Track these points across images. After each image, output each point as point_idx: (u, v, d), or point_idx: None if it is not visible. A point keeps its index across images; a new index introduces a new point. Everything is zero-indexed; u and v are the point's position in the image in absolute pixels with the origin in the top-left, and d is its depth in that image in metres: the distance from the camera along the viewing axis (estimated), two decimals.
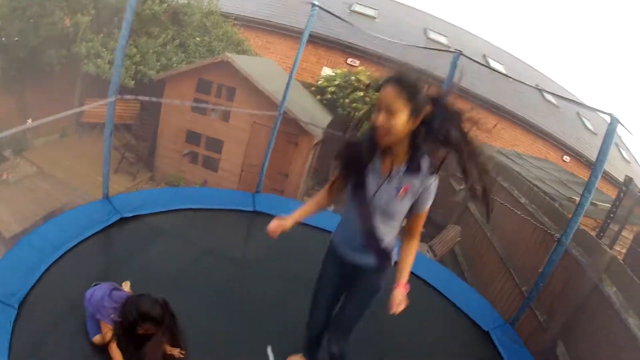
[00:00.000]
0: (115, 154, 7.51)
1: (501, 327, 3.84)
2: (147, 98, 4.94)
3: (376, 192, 1.94)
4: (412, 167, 1.86)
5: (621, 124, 3.39)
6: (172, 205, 4.19)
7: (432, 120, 1.76)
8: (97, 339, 2.43)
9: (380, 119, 1.75)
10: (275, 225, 2.10)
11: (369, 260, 2.12)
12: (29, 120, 7.07)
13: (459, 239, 7.23)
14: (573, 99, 14.40)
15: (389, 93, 1.73)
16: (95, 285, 2.64)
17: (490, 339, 3.62)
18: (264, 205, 4.59)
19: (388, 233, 2.04)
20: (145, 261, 3.33)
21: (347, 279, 2.25)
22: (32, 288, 2.70)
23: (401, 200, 1.91)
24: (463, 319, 3.78)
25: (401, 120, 1.73)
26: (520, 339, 3.84)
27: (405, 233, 2.08)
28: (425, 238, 7.89)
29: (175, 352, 2.50)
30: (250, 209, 4.57)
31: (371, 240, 2.05)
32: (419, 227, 2.05)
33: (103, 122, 8.82)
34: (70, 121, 9.25)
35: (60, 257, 3.05)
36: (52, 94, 8.14)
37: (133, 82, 7.69)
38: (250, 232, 4.39)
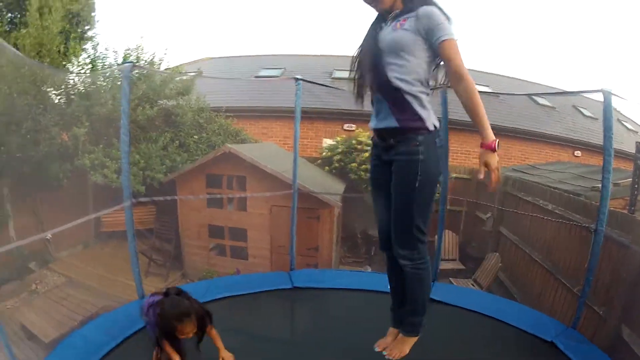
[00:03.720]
0: (143, 257, 7.58)
1: (564, 332, 3.74)
2: (161, 198, 5.02)
3: (379, 35, 2.04)
4: (406, 10, 1.96)
5: (614, 94, 3.41)
6: (210, 295, 4.08)
7: None
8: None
9: None
10: None
11: (392, 120, 2.02)
12: (48, 234, 7.15)
13: (500, 264, 7.22)
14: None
15: None
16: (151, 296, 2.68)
17: (556, 347, 3.49)
18: (302, 280, 4.54)
19: (401, 71, 1.96)
20: (189, 354, 3.27)
21: (389, 166, 2.13)
22: None
23: (401, 30, 1.94)
24: (524, 336, 3.66)
25: None
26: (585, 338, 3.74)
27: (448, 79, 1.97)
28: (467, 274, 7.97)
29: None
30: (289, 285, 4.55)
31: (385, 86, 2.00)
32: (453, 60, 1.88)
33: (122, 229, 8.96)
34: (90, 232, 9.42)
35: (105, 355, 3.00)
36: (65, 207, 8.17)
37: (144, 187, 7.79)
38: (293, 308, 4.29)
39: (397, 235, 2.17)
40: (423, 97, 1.99)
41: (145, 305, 2.64)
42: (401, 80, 1.95)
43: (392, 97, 2.00)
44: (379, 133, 2.14)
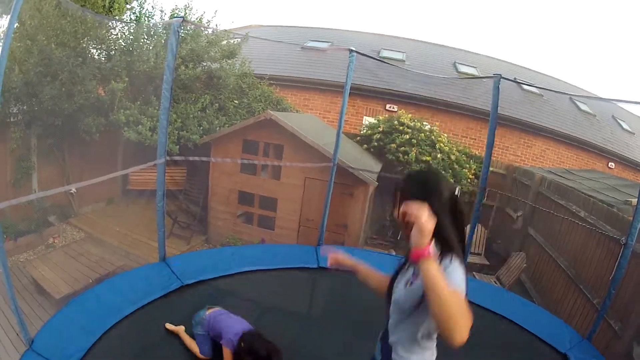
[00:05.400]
0: (167, 218, 7.59)
1: (579, 344, 3.77)
2: (196, 158, 4.97)
3: (394, 282, 1.83)
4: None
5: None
6: (234, 267, 4.10)
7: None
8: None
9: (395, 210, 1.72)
10: (335, 259, 2.15)
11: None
12: (73, 188, 7.16)
13: (525, 265, 7.13)
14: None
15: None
16: (211, 309, 2.99)
17: None
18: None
19: (398, 329, 1.77)
20: None
21: None
22: (86, 353, 2.64)
23: (410, 288, 1.71)
24: (539, 344, 3.69)
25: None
26: (598, 353, 3.79)
27: None
28: (490, 271, 7.85)
29: None
30: (314, 264, 4.49)
31: (384, 338, 1.88)
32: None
33: (149, 189, 8.95)
34: (116, 189, 9.45)
35: (118, 321, 3.01)
36: (93, 162, 8.26)
37: (177, 147, 7.73)
38: (316, 288, 4.27)
39: None
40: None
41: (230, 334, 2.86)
42: (401, 342, 1.76)
43: (384, 347, 1.86)
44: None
